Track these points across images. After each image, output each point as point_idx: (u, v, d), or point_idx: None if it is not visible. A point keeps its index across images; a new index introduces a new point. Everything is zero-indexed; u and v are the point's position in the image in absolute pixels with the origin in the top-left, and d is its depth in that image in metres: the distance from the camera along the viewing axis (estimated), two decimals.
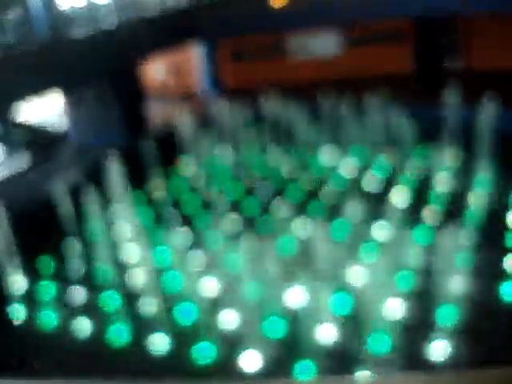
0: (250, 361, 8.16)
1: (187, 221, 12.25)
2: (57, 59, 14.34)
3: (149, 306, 9.47)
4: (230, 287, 9.62)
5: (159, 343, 8.76)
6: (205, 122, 15.51)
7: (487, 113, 12.38)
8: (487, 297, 8.75)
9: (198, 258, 10.75)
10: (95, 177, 12.50)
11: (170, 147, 14.74)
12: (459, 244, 9.76)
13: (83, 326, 9.35)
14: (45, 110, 20.26)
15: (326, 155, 14.35)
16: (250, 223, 11.68)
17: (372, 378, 7.17)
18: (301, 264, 10.15)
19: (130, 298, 9.92)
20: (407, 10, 18.56)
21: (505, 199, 11.29)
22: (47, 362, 8.80)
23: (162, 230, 11.96)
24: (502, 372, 6.09)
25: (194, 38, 20.85)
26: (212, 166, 14.85)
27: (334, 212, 11.75)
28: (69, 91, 16.87)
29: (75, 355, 8.86)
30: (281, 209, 11.88)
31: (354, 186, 12.69)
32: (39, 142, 18.92)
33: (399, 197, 11.98)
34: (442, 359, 7.70)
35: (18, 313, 9.92)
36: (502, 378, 4.87)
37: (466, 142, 12.51)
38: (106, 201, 11.70)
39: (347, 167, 13.80)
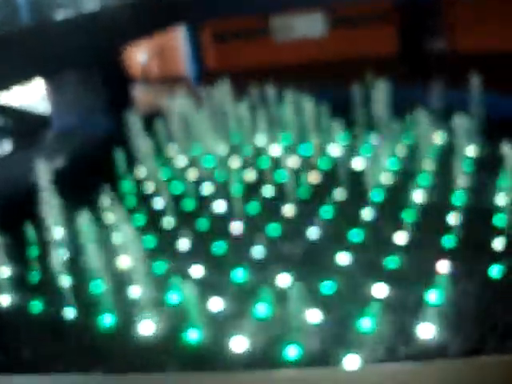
0: (238, 343, 8.17)
1: (173, 206, 12.22)
2: (40, 43, 14.13)
3: (135, 291, 9.50)
4: (217, 271, 9.64)
5: (147, 328, 8.79)
6: (190, 107, 15.34)
7: (470, 94, 12.42)
8: (472, 279, 8.81)
9: (183, 242, 10.81)
10: (80, 163, 12.42)
11: (155, 133, 14.62)
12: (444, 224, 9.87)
13: (69, 312, 9.35)
14: (29, 94, 20.04)
15: (312, 138, 14.26)
16: (237, 206, 11.65)
17: (361, 368, 7.18)
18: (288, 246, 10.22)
19: (117, 284, 9.97)
20: None
21: (489, 180, 11.32)
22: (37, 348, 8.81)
23: (148, 215, 11.93)
24: (490, 360, 6.13)
25: (178, 20, 20.66)
26: (198, 152, 14.74)
27: (321, 194, 11.79)
28: (52, 76, 16.65)
29: (63, 340, 8.89)
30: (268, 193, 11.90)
31: (342, 167, 12.60)
32: (23, 127, 18.76)
33: (384, 177, 12.03)
34: (428, 341, 7.77)
35: (3, 300, 9.88)
36: (491, 367, 4.90)
37: (450, 122, 12.48)
38: (91, 187, 11.70)
39: (334, 149, 13.77)
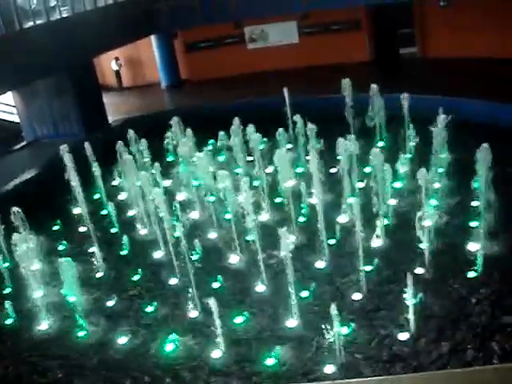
0: (218, 351, 8.13)
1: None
2: (10, 51, 13.87)
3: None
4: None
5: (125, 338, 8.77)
6: (162, 114, 15.07)
7: (441, 99, 12.47)
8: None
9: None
10: (53, 172, 12.16)
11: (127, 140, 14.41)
12: None
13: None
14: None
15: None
16: None
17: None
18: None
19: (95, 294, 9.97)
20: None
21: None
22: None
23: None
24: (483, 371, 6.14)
25: (152, 29, 20.55)
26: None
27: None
28: (23, 85, 16.32)
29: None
30: None
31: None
32: None
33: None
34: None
35: None
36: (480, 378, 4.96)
37: (421, 126, 12.52)
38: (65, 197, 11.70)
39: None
